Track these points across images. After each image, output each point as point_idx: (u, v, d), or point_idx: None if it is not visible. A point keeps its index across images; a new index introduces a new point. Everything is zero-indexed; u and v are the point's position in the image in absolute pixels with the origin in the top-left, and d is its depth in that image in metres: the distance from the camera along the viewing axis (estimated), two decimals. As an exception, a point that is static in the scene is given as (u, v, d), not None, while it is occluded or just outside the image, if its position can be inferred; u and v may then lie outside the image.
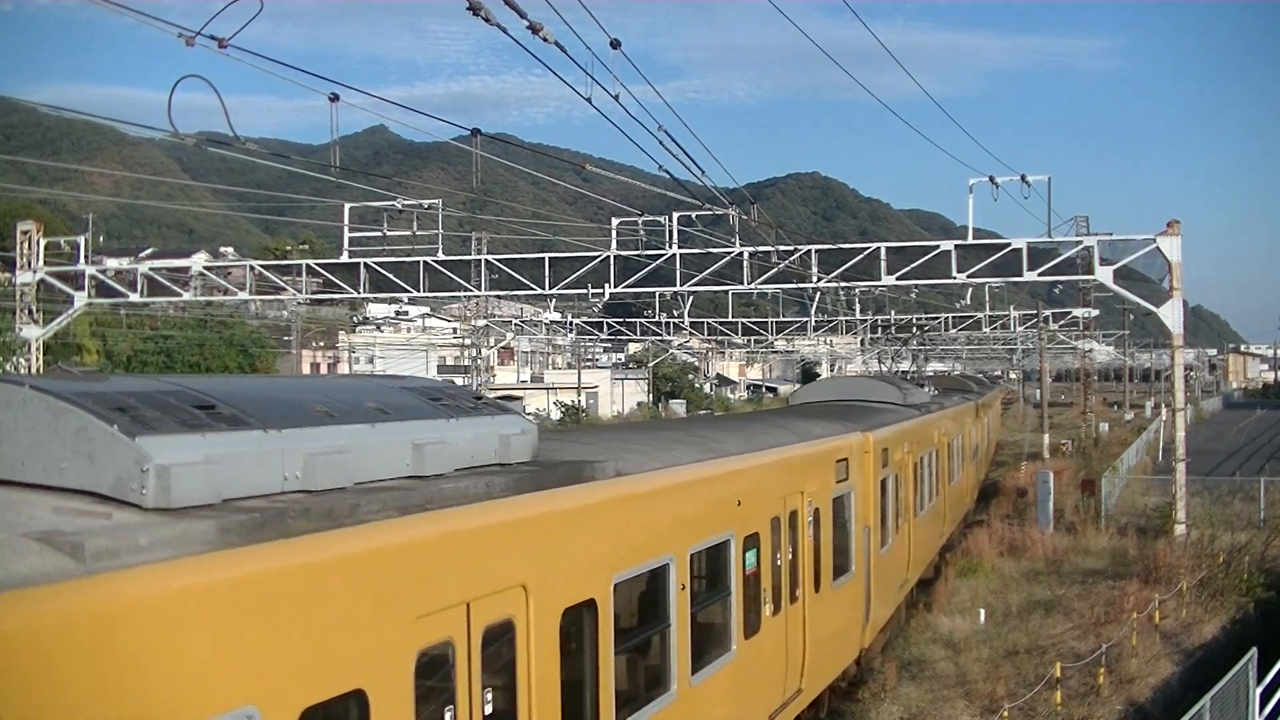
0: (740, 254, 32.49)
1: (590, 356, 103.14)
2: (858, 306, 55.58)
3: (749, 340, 70.07)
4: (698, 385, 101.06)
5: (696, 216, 31.11)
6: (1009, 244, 30.84)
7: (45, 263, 37.67)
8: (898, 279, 31.91)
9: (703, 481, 9.76)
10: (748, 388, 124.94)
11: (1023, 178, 29.63)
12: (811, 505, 12.71)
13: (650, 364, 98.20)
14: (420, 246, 34.22)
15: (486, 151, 17.80)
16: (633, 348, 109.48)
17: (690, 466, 9.61)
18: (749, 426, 13.40)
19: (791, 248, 33.07)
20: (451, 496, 6.03)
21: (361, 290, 34.86)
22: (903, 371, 33.52)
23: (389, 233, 34.04)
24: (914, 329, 44.41)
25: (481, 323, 55.90)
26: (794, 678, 12.17)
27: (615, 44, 14.04)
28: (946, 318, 61.00)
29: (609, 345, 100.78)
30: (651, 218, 33.44)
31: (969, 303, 59.84)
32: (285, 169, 28.28)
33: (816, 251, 33.11)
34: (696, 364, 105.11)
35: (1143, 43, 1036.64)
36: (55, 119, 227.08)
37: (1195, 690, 14.87)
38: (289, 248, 79.15)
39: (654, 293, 44.91)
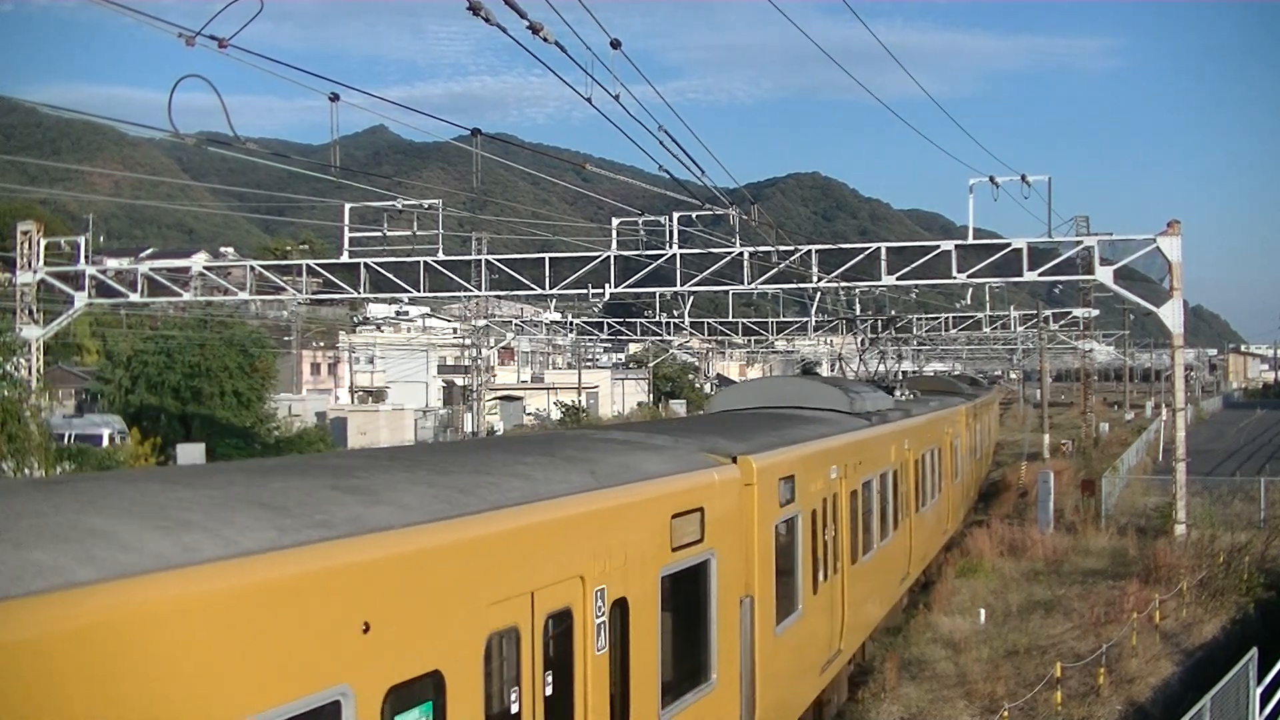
0: (740, 254, 32.51)
1: (590, 356, 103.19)
2: (858, 306, 55.64)
3: (749, 340, 70.13)
4: (698, 385, 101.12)
5: (696, 216, 31.14)
6: (1009, 244, 30.87)
7: (45, 263, 37.68)
8: (898, 279, 31.94)
9: (212, 602, 4.47)
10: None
11: (1023, 178, 29.66)
12: (607, 597, 7.62)
13: (650, 364, 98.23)
14: (420, 246, 34.24)
15: (486, 151, 17.81)
16: (633, 348, 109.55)
17: (177, 574, 4.40)
18: (504, 466, 7.64)
19: (791, 248, 33.09)
20: None
21: (361, 290, 34.87)
22: (872, 372, 28.62)
23: (389, 233, 34.06)
24: (889, 324, 40.39)
25: (482, 323, 55.89)
26: None
27: (615, 44, 14.04)
28: (947, 318, 61.08)
29: (609, 345, 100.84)
30: (651, 218, 33.46)
31: (969, 303, 59.92)
32: (285, 169, 28.34)
33: (816, 251, 33.13)
34: (697, 364, 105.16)
35: (1143, 43, 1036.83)
36: (55, 119, 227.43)
37: (1195, 690, 14.89)
38: (289, 248, 79.18)
39: (654, 293, 44.94)
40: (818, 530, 13.30)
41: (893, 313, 44.12)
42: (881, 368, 28.71)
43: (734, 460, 10.48)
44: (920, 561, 22.32)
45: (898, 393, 25.35)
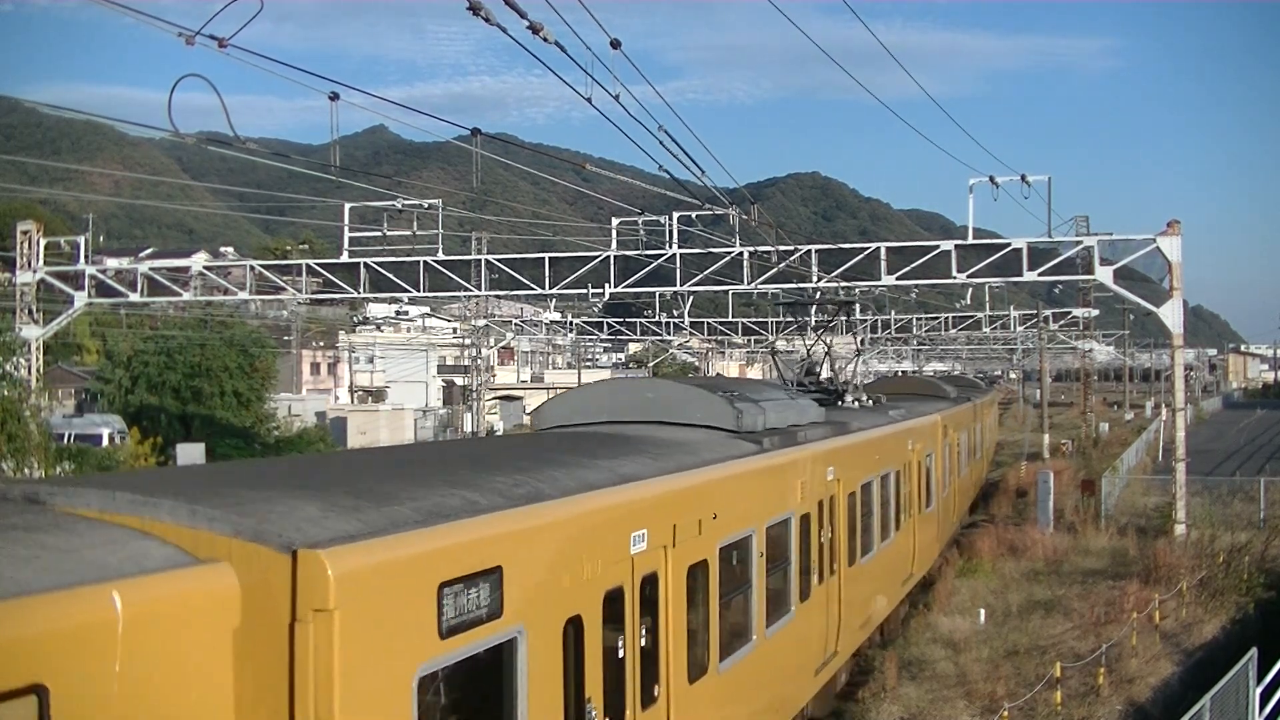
0: (740, 254, 32.49)
1: (590, 356, 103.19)
2: (858, 307, 55.57)
3: (749, 340, 70.12)
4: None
5: (696, 216, 31.12)
6: (1009, 244, 30.85)
7: (45, 263, 37.63)
8: (898, 279, 31.92)
9: None
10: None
11: (1023, 178, 29.64)
12: None
13: (650, 364, 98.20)
14: (420, 246, 34.21)
15: (486, 151, 17.81)
16: (633, 348, 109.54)
17: None
18: None
19: (791, 248, 33.08)
20: None
21: (361, 290, 34.84)
22: (806, 374, 23.17)
23: (389, 233, 34.02)
24: (840, 312, 32.18)
25: (481, 323, 55.85)
26: None
27: (615, 44, 14.05)
28: (947, 318, 61.07)
29: (609, 345, 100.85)
30: (651, 218, 33.43)
31: (969, 303, 59.89)
32: (285, 169, 28.37)
33: (816, 251, 33.13)
34: (697, 364, 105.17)
35: (1142, 43, 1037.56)
36: (55, 119, 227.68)
37: (1195, 690, 14.88)
38: (289, 248, 79.19)
39: (654, 293, 44.89)
40: (585, 651, 7.74)
41: (845, 299, 35.38)
42: (828, 370, 23.66)
43: (293, 553, 5.23)
44: (857, 632, 16.34)
45: (849, 398, 20.96)
